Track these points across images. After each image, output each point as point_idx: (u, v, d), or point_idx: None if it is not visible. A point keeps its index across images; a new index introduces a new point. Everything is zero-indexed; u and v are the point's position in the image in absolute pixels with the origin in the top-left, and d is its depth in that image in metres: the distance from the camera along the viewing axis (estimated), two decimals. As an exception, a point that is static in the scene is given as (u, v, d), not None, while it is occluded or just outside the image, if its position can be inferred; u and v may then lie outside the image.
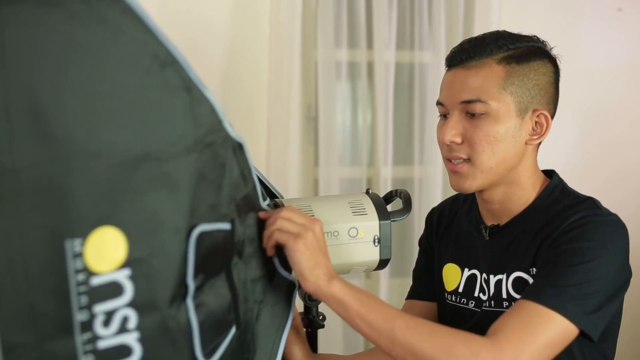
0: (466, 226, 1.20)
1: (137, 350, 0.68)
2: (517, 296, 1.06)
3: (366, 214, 0.99)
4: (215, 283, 0.79)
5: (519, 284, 1.06)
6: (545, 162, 2.27)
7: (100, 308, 0.65)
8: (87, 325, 0.65)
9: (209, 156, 0.73)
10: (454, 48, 1.10)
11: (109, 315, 0.66)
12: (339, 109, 2.28)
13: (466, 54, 1.06)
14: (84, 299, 0.64)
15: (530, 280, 1.05)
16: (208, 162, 0.74)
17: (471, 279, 1.16)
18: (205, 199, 0.74)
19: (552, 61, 1.12)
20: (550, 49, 1.12)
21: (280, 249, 0.91)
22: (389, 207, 1.05)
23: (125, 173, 0.65)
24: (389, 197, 1.09)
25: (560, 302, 0.96)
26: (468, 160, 1.06)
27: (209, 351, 0.76)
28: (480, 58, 1.05)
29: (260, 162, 2.20)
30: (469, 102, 1.04)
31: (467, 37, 1.16)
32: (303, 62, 2.20)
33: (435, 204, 2.19)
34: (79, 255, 0.63)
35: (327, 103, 2.22)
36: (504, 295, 1.09)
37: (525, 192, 1.11)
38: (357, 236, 0.98)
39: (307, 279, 0.89)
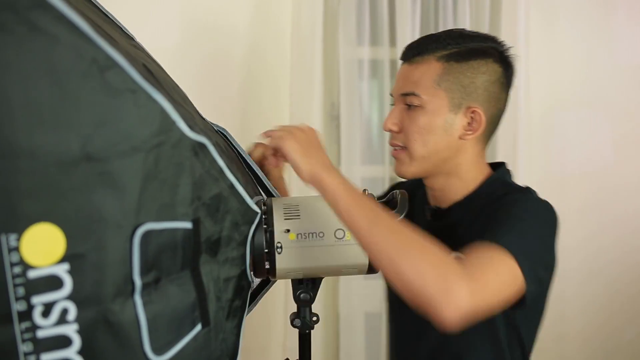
0: (417, 204, 1.25)
1: (76, 341, 0.71)
2: None
3: None
4: (175, 280, 0.80)
5: None
6: (577, 158, 2.23)
7: (39, 299, 0.69)
8: (25, 315, 0.68)
9: (159, 156, 0.75)
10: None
11: (48, 307, 0.69)
12: (361, 108, 2.28)
13: (412, 51, 1.13)
14: (21, 290, 0.68)
15: None
16: (159, 161, 0.75)
17: None
18: (157, 198, 0.76)
19: (501, 62, 1.13)
20: (504, 50, 1.13)
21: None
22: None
23: (64, 172, 0.68)
24: (391, 199, 1.07)
25: (510, 240, 0.97)
26: (404, 148, 1.13)
27: (161, 346, 0.78)
28: (423, 55, 1.11)
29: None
30: (406, 94, 1.12)
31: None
32: (325, 61, 2.20)
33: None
34: (14, 249, 0.67)
35: (350, 101, 2.22)
36: None
37: (465, 183, 1.15)
38: (343, 238, 0.96)
39: (301, 169, 0.94)
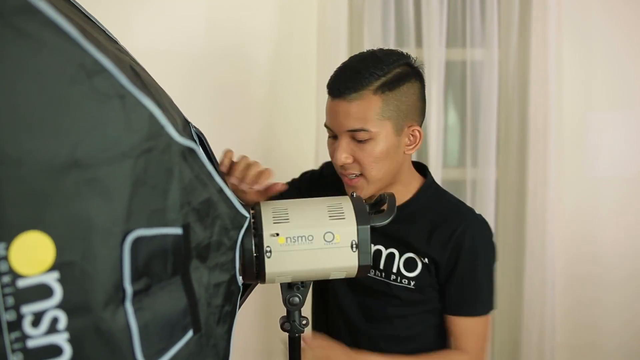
0: None
1: (67, 351, 0.70)
2: (405, 272, 1.33)
3: (344, 219, 0.97)
4: (166, 287, 0.79)
5: (409, 263, 1.33)
6: (610, 161, 2.15)
7: (28, 309, 0.68)
8: (15, 325, 0.67)
9: (148, 162, 0.74)
10: (333, 75, 1.26)
11: (37, 316, 0.68)
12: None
13: (345, 87, 1.21)
14: (10, 300, 0.67)
15: (419, 262, 1.32)
16: (148, 167, 0.74)
17: None
18: (147, 204, 0.75)
19: (418, 77, 1.28)
20: (414, 64, 1.28)
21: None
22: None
23: (52, 179, 0.67)
24: (379, 202, 1.07)
25: (484, 307, 1.36)
26: (361, 175, 1.26)
27: (152, 354, 0.77)
28: (358, 90, 1.20)
29: (308, 163, 2.21)
30: (355, 130, 1.22)
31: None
32: (350, 62, 2.18)
33: (489, 208, 2.12)
34: (3, 258, 0.66)
35: (376, 104, 2.19)
36: (394, 269, 1.34)
37: (405, 188, 1.34)
38: (332, 241, 0.96)
39: None
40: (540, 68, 2.10)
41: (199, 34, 2.11)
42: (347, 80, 1.22)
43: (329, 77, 2.17)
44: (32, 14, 0.64)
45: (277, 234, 0.95)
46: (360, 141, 1.22)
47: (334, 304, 1.43)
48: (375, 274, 1.35)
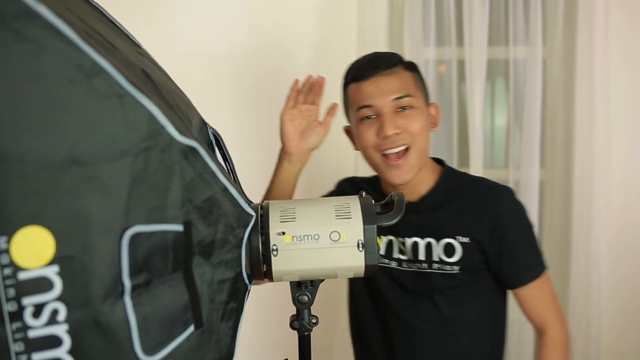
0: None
1: (66, 341, 0.73)
2: (446, 258, 1.35)
3: (350, 218, 0.97)
4: (166, 282, 0.81)
5: (448, 249, 1.35)
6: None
7: (29, 301, 0.71)
8: (16, 316, 0.71)
9: (147, 160, 0.76)
10: (355, 65, 1.38)
11: (38, 308, 0.71)
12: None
13: (378, 66, 1.32)
14: (12, 292, 0.70)
15: (458, 245, 1.34)
16: (147, 165, 0.76)
17: (389, 244, 1.43)
18: (146, 201, 0.77)
19: None
20: None
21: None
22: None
23: (52, 177, 0.70)
24: (389, 201, 1.06)
25: (541, 266, 1.37)
26: (407, 149, 1.30)
27: (151, 347, 0.79)
28: (391, 67, 1.32)
29: (348, 162, 2.21)
30: (400, 97, 1.30)
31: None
32: (390, 62, 2.17)
33: (532, 209, 2.07)
34: (4, 251, 0.69)
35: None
36: (435, 258, 1.36)
37: (426, 174, 1.39)
38: (339, 240, 0.95)
39: None
40: (586, 66, 2.03)
41: (241, 36, 2.14)
42: (376, 62, 1.33)
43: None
44: (33, 18, 0.67)
45: (283, 233, 0.95)
46: (404, 109, 1.30)
47: (376, 307, 1.45)
48: (418, 267, 1.38)
